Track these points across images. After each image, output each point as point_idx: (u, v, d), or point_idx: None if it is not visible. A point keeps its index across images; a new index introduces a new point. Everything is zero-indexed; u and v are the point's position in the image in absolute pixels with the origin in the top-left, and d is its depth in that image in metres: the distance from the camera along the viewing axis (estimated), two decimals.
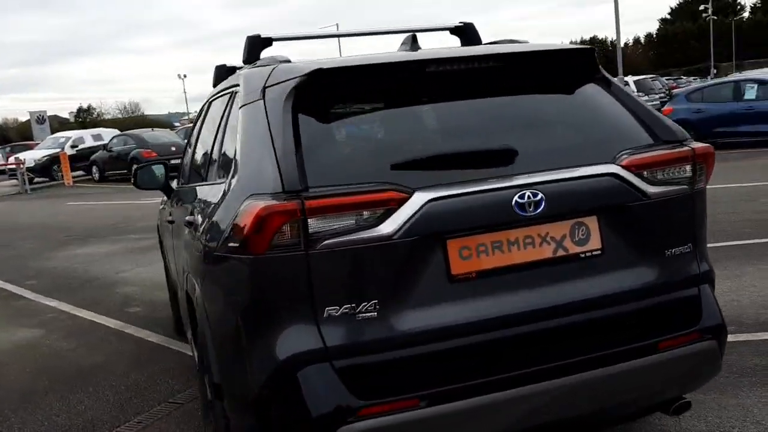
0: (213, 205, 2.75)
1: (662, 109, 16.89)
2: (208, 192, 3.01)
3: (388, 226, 2.23)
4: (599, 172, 2.48)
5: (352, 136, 2.61)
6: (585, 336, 2.45)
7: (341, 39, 37.38)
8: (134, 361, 5.11)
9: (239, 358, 2.39)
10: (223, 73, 3.77)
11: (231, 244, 2.36)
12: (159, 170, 4.58)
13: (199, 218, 2.95)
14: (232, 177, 2.59)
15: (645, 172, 2.52)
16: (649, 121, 2.69)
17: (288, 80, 2.51)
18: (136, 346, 5.47)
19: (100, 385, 4.67)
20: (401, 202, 2.25)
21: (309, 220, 2.18)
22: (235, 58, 5.27)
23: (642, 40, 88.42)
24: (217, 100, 3.59)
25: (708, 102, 15.67)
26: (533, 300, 2.39)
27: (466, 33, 3.72)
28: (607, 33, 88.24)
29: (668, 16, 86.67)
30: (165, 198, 4.85)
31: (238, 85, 2.97)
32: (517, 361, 2.37)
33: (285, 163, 2.27)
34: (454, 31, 3.77)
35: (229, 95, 3.21)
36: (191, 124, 4.97)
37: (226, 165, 2.86)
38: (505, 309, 2.36)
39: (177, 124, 51.73)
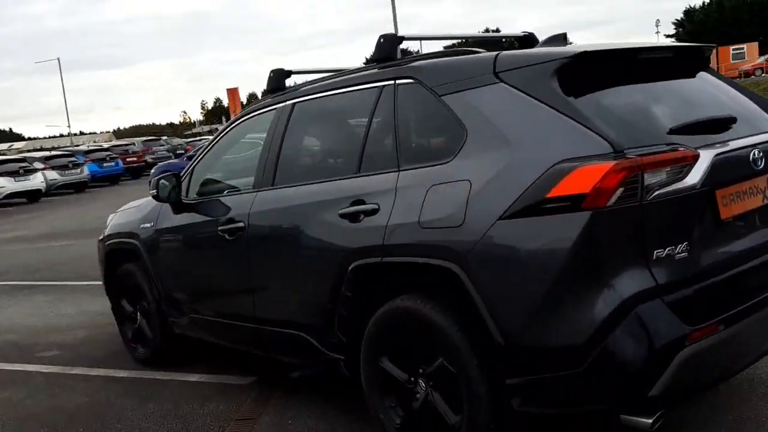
0: (456, 182, 2.91)
1: None
2: (425, 175, 3.08)
3: (692, 178, 2.67)
4: None
5: (622, 107, 2.95)
6: None
7: None
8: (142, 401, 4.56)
9: (558, 312, 2.63)
10: (281, 77, 4.25)
11: (549, 205, 2.61)
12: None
13: (414, 200, 3.06)
14: (481, 154, 2.87)
15: None
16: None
17: (540, 63, 2.91)
18: (122, 386, 4.89)
19: None
20: (695, 159, 2.68)
21: (645, 174, 2.54)
22: None
23: None
24: (337, 97, 3.78)
25: None
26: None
27: (530, 41, 4.03)
28: None
29: None
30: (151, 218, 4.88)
31: (405, 78, 3.31)
32: None
33: (603, 128, 2.65)
34: (520, 39, 4.06)
35: (374, 90, 3.47)
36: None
37: (420, 146, 3.32)
38: (756, 241, 3.00)
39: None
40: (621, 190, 2.52)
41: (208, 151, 4.69)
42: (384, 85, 3.45)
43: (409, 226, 3.06)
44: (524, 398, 2.80)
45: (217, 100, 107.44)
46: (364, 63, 4.03)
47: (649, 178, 2.57)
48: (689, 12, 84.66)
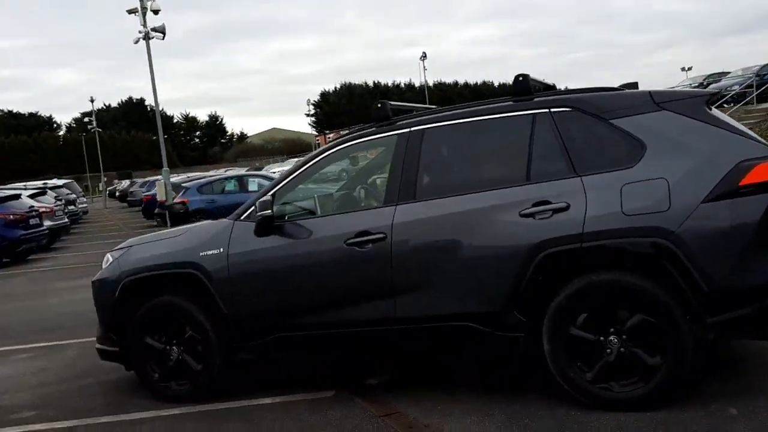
0: (652, 180, 4.03)
1: (176, 199, 19.67)
2: (614, 177, 4.13)
3: None
4: None
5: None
6: None
7: None
8: None
9: (751, 262, 3.90)
10: (387, 109, 4.91)
11: (741, 190, 3.89)
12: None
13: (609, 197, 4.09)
14: (669, 159, 4.06)
15: None
16: None
17: (693, 97, 4.41)
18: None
19: None
20: None
21: None
22: None
23: None
24: (478, 123, 4.64)
25: (217, 194, 19.24)
26: None
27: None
28: None
29: None
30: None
31: (562, 107, 4.38)
32: None
33: (757, 138, 4.15)
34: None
35: (526, 117, 4.48)
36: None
37: (594, 158, 4.24)
38: None
39: None
40: None
41: (295, 177, 5.00)
42: (536, 113, 4.41)
43: (612, 215, 4.03)
44: (720, 332, 3.98)
45: None
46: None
47: None
48: (324, 95, 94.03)
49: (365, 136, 4.97)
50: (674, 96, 4.40)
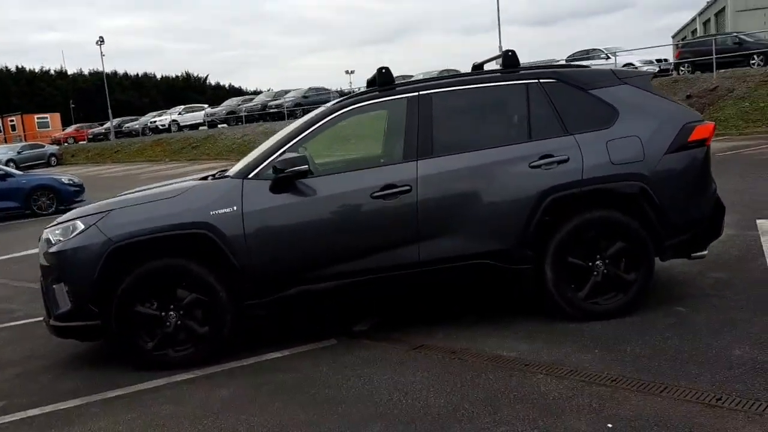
0: (629, 137, 5.09)
1: None
2: (599, 135, 5.11)
3: None
4: None
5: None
6: None
7: None
8: None
9: (700, 197, 5.22)
10: (388, 76, 5.34)
11: (689, 145, 5.12)
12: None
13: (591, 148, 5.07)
14: (636, 121, 5.12)
15: None
16: None
17: (642, 76, 5.74)
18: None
19: None
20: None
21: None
22: None
23: None
24: (482, 89, 5.37)
25: None
26: None
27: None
28: None
29: None
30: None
31: (549, 78, 5.25)
32: None
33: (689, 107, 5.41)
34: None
35: (520, 86, 5.25)
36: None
37: (580, 120, 5.14)
38: None
39: None
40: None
41: (302, 137, 5.14)
42: (529, 83, 5.24)
43: (604, 165, 5.01)
44: (674, 251, 5.24)
45: None
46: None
47: None
48: None
49: (371, 99, 5.27)
50: (631, 74, 5.62)
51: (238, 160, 5.58)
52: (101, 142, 49.09)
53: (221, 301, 4.85)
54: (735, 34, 29.99)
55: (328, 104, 5.46)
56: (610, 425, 3.53)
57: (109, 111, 49.97)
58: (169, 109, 51.41)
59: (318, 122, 5.19)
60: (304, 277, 4.93)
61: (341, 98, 5.44)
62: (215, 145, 36.52)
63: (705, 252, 5.42)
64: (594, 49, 32.01)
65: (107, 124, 51.04)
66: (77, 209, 5.37)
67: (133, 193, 5.59)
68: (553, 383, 4.08)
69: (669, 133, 5.14)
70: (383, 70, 5.35)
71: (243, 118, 40.86)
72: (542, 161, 5.02)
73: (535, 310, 5.33)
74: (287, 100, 39.47)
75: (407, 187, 4.92)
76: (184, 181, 5.70)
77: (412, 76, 36.70)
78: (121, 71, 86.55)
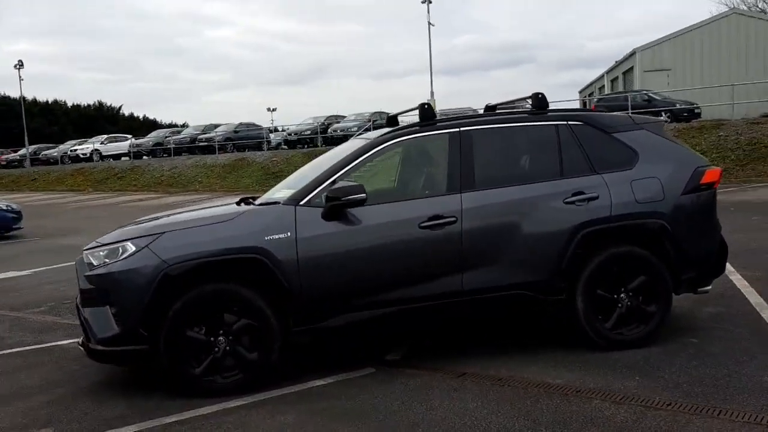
0: (650, 178, 5.51)
1: None
2: (624, 176, 5.52)
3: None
4: None
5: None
6: None
7: None
8: None
9: (705, 239, 5.64)
10: (429, 112, 5.64)
11: (701, 187, 5.58)
12: None
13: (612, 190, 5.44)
14: (655, 164, 5.56)
15: None
16: None
17: (657, 122, 6.20)
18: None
19: None
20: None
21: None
22: None
23: None
24: (516, 128, 5.69)
25: None
26: None
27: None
28: None
29: None
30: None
31: (576, 121, 5.67)
32: None
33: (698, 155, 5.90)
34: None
35: (550, 126, 5.64)
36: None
37: (606, 161, 5.54)
38: None
39: None
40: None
41: (352, 167, 5.30)
42: (558, 124, 5.60)
43: (630, 203, 5.39)
44: (689, 285, 5.63)
45: None
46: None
47: None
48: None
49: (415, 133, 5.49)
50: (647, 120, 6.07)
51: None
52: (15, 168, 47.03)
53: (272, 327, 4.88)
54: (644, 91, 31.85)
55: (371, 136, 5.64)
56: None
57: (26, 137, 48.07)
58: (79, 138, 50.02)
59: (365, 153, 5.35)
60: (352, 304, 5.02)
61: (386, 131, 5.61)
62: (142, 177, 35.62)
63: (709, 287, 5.86)
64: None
65: (22, 151, 48.97)
66: (119, 231, 5.30)
67: (175, 215, 5.57)
68: (613, 408, 4.32)
69: (684, 175, 5.58)
70: (426, 106, 5.57)
71: (171, 150, 40.10)
72: (575, 198, 5.34)
73: (556, 339, 5.60)
74: (218, 134, 39.12)
75: (453, 218, 5.13)
76: (225, 205, 5.72)
77: (344, 117, 37.42)
78: (29, 97, 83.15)
